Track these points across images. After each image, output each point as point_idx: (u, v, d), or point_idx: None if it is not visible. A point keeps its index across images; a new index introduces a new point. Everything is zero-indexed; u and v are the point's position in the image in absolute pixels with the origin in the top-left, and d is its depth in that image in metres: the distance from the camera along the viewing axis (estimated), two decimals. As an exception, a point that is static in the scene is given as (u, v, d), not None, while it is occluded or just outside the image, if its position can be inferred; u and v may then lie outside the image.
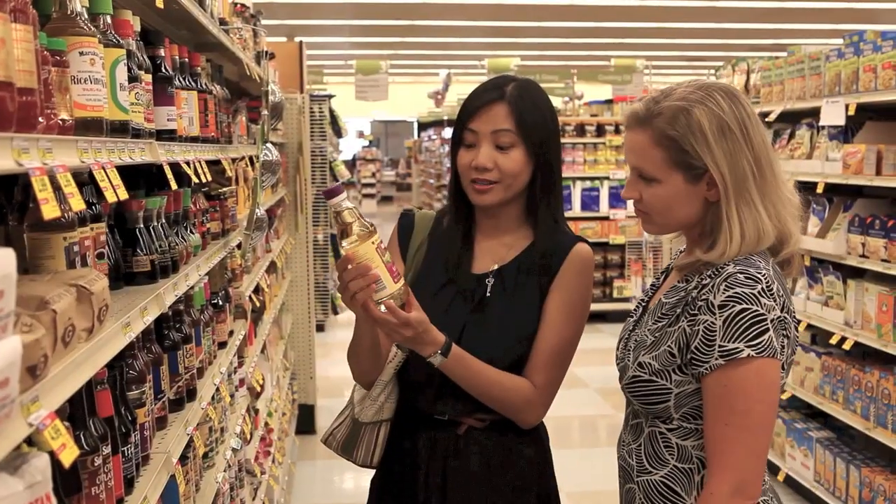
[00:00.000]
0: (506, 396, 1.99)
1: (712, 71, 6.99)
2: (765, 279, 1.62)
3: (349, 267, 1.77)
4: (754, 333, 1.60)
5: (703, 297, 1.65)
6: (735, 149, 1.66)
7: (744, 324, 1.60)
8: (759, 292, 1.61)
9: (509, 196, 2.02)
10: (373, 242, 1.76)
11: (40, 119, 1.26)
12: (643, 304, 1.94)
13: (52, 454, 1.15)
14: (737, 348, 1.60)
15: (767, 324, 1.60)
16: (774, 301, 1.62)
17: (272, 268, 4.84)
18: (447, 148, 10.94)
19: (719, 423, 1.63)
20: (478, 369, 1.95)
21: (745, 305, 1.60)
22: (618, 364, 1.89)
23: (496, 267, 2.06)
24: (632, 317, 1.95)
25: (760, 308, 1.60)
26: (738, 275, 1.62)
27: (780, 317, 1.62)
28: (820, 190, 4.45)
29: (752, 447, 1.63)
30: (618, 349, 1.92)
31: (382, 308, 1.80)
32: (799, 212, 1.76)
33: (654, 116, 1.69)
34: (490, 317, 2.02)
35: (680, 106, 1.67)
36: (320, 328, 8.75)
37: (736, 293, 1.61)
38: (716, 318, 1.62)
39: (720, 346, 1.61)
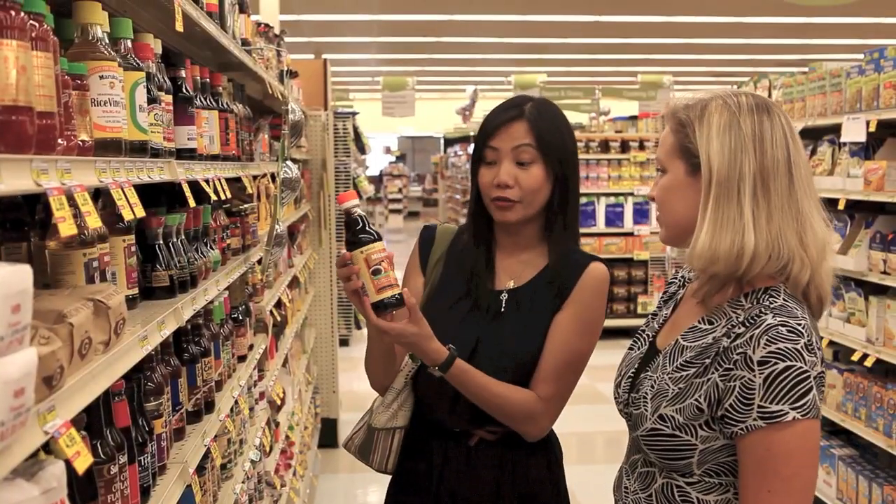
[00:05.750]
0: (510, 408, 2.02)
1: (736, 87, 6.97)
2: (806, 332, 1.51)
3: (344, 266, 1.89)
4: (799, 394, 1.48)
5: (740, 350, 1.52)
6: (737, 148, 1.57)
7: (788, 384, 1.48)
8: (802, 347, 1.49)
9: (530, 213, 2.06)
10: (362, 251, 1.86)
11: (60, 141, 1.32)
12: (648, 337, 1.82)
13: (68, 462, 1.20)
14: (781, 411, 1.47)
15: (811, 382, 1.49)
16: (815, 356, 1.51)
17: (294, 283, 4.89)
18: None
19: (762, 489, 1.51)
20: (482, 383, 2.00)
21: (788, 363, 1.48)
22: (622, 406, 1.77)
23: (512, 285, 2.11)
24: (632, 349, 1.83)
25: (805, 365, 1.48)
26: (780, 327, 1.50)
27: (820, 372, 1.52)
28: (841, 206, 4.44)
29: None
30: (619, 387, 1.79)
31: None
32: (824, 246, 1.60)
33: (681, 108, 1.68)
34: (504, 331, 2.06)
35: (702, 97, 1.66)
36: (344, 342, 8.79)
37: (779, 349, 1.48)
38: (755, 376, 1.49)
39: (760, 407, 1.49)
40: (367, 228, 1.87)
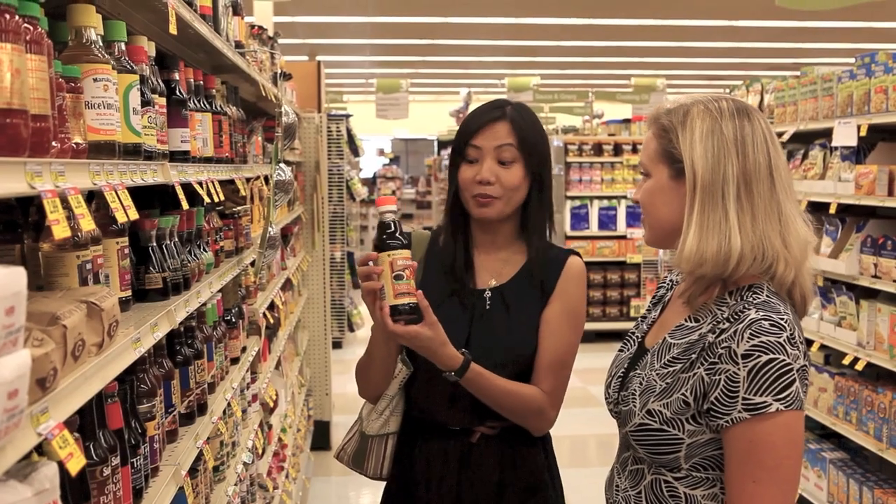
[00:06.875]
0: (521, 406, 2.07)
1: (728, 90, 7.00)
2: (789, 326, 1.55)
3: (368, 264, 1.92)
4: (782, 386, 1.51)
5: (724, 344, 1.56)
6: (720, 153, 1.60)
7: (771, 375, 1.51)
8: (784, 340, 1.53)
9: (508, 210, 2.12)
10: (389, 255, 1.88)
11: (54, 143, 1.32)
12: (637, 339, 1.86)
13: (61, 463, 1.20)
14: (764, 402, 1.51)
15: (794, 374, 1.52)
16: (798, 350, 1.54)
17: (288, 285, 4.89)
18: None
19: (747, 480, 1.53)
20: (495, 384, 2.03)
21: (771, 355, 1.51)
22: (612, 406, 1.80)
23: (494, 284, 2.15)
24: (622, 351, 1.87)
25: (787, 357, 1.52)
26: (763, 321, 1.54)
27: (803, 365, 1.55)
28: (832, 210, 4.46)
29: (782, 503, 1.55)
30: (609, 387, 1.82)
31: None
32: (805, 245, 1.64)
33: (663, 113, 1.70)
34: (493, 328, 2.11)
35: (683, 102, 1.69)
36: (337, 345, 8.80)
37: (762, 342, 1.52)
38: (739, 369, 1.52)
39: (744, 399, 1.52)
40: (397, 234, 1.91)
